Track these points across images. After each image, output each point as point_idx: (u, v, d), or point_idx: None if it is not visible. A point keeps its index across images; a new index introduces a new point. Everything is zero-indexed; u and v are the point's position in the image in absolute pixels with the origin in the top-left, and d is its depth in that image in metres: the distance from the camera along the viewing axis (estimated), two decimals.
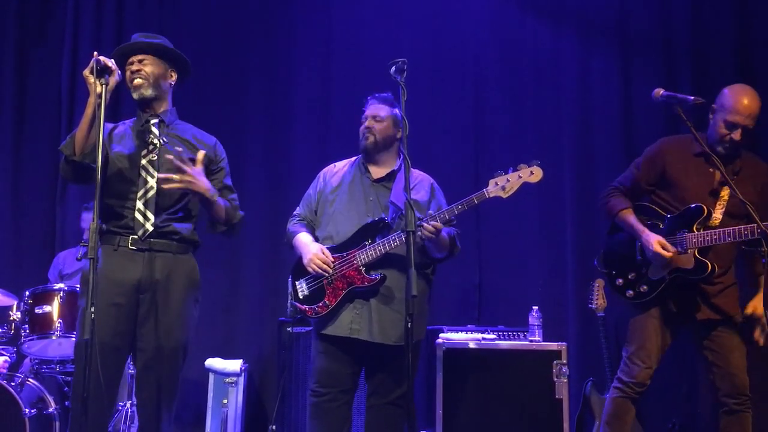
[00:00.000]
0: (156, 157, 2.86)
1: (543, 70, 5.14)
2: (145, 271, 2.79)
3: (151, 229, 2.81)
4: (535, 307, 4.21)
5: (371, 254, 3.11)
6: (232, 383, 4.35)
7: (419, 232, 2.96)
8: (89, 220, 4.43)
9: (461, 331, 4.24)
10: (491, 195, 3.05)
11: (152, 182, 2.83)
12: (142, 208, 2.81)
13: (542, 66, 5.14)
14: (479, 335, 4.17)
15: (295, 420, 4.29)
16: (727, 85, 4.75)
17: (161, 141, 2.89)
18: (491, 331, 4.24)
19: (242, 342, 4.87)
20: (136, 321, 2.81)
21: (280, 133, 5.15)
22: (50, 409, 3.83)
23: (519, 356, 4.05)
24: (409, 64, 2.73)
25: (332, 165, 3.46)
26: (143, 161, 2.84)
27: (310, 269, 3.16)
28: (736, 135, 3.15)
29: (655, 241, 3.15)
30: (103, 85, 2.57)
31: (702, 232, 3.15)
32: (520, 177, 3.03)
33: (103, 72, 2.58)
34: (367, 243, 3.14)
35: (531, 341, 4.14)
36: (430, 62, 5.14)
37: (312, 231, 3.35)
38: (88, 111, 2.65)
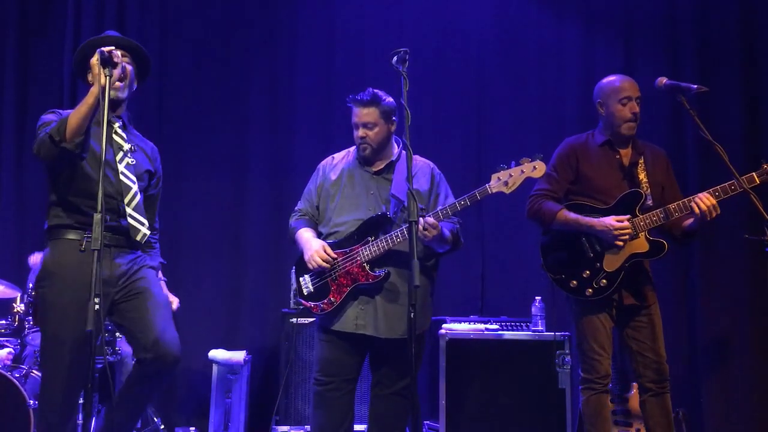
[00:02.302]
0: (134, 162, 2.90)
1: (546, 60, 5.13)
2: (114, 264, 2.79)
3: (148, 232, 2.86)
4: (538, 298, 4.22)
5: (374, 250, 3.10)
6: (235, 374, 4.36)
7: (421, 225, 2.93)
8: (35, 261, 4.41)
9: (464, 321, 4.25)
10: (494, 191, 3.01)
11: (135, 187, 2.87)
12: (133, 213, 2.84)
13: (546, 56, 5.14)
14: (482, 326, 4.18)
15: (299, 410, 4.30)
16: (733, 73, 4.81)
17: (132, 147, 2.94)
18: (494, 321, 4.26)
19: (245, 333, 4.88)
20: (114, 308, 2.82)
21: (283, 126, 5.15)
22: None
23: (522, 346, 4.07)
24: (412, 55, 2.72)
25: (330, 158, 3.43)
26: (120, 167, 2.86)
27: (310, 266, 3.16)
28: (634, 107, 3.29)
29: (611, 220, 3.17)
30: (107, 77, 2.57)
31: (648, 213, 3.20)
32: (522, 172, 2.99)
33: (107, 63, 2.58)
34: (370, 239, 3.13)
35: (534, 332, 4.15)
36: (433, 53, 5.14)
37: (314, 226, 3.34)
38: (89, 100, 2.64)
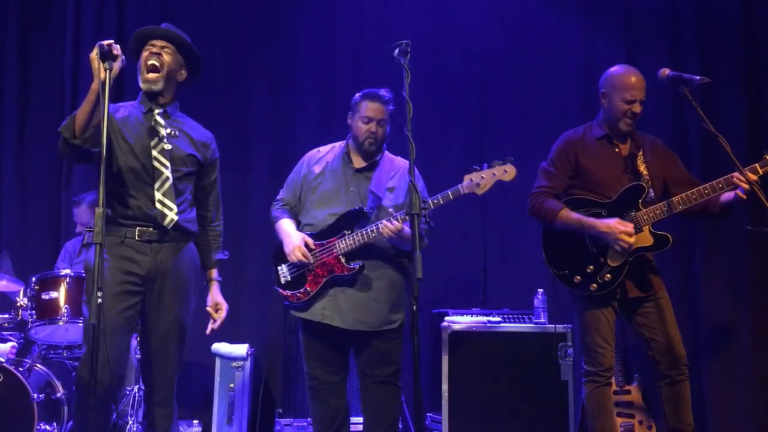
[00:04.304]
0: (170, 147, 2.92)
1: (548, 51, 5.11)
2: (153, 263, 2.87)
3: (176, 218, 2.88)
4: (540, 290, 4.21)
5: (350, 244, 3.20)
6: (238, 367, 4.37)
7: (380, 228, 3.10)
8: (79, 215, 4.47)
9: (466, 314, 4.25)
10: (465, 191, 3.12)
11: (167, 173, 2.89)
12: (162, 198, 2.87)
13: (547, 48, 5.12)
14: (484, 318, 4.18)
15: (301, 403, 4.31)
16: (735, 64, 4.79)
17: (173, 132, 2.97)
18: (496, 314, 4.25)
19: (248, 326, 4.88)
20: (144, 308, 2.90)
21: (284, 122, 5.13)
22: (58, 394, 3.85)
23: (524, 339, 4.07)
24: (413, 49, 2.71)
25: (316, 150, 3.53)
26: (154, 152, 2.89)
27: (291, 259, 3.25)
28: (636, 108, 3.27)
29: (615, 222, 3.16)
30: (107, 71, 2.56)
31: (652, 207, 3.20)
32: (494, 175, 3.11)
33: (106, 56, 2.57)
34: (346, 232, 3.22)
35: (536, 324, 4.15)
36: (434, 46, 5.12)
37: (294, 216, 3.43)
38: (91, 96, 2.66)
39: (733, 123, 4.66)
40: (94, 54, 2.58)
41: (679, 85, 3.15)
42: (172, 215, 2.87)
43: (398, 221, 3.10)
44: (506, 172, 3.10)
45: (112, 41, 2.62)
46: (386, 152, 3.44)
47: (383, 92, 3.36)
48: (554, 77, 5.09)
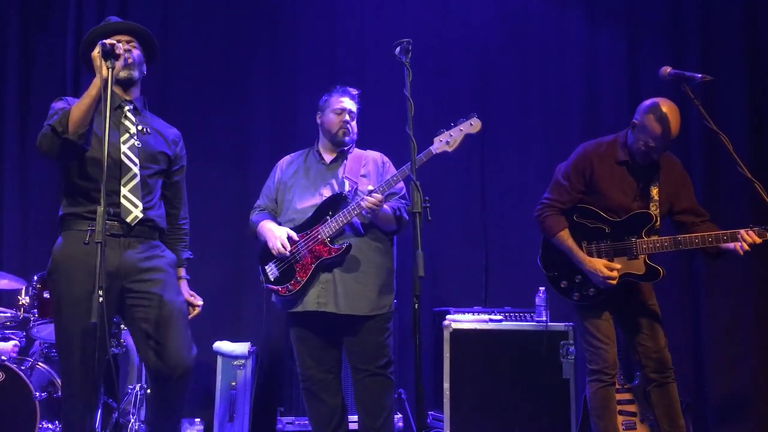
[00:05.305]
0: (140, 144, 2.90)
1: (550, 50, 5.12)
2: (123, 258, 2.80)
3: (141, 215, 2.83)
4: (542, 288, 4.21)
5: (334, 227, 3.25)
6: (240, 365, 4.37)
7: (362, 203, 3.14)
8: None
9: (468, 312, 4.25)
10: (438, 151, 3.20)
11: (135, 169, 2.86)
12: (128, 194, 2.82)
13: (549, 46, 5.12)
14: (486, 316, 4.18)
15: (303, 401, 4.30)
16: (737, 62, 4.78)
17: (144, 129, 2.95)
18: (498, 312, 4.26)
19: (250, 325, 4.89)
20: (124, 309, 2.83)
21: (285, 119, 5.13)
22: (60, 393, 3.85)
23: (526, 337, 4.07)
24: (414, 45, 2.71)
25: (288, 156, 3.63)
26: (123, 147, 2.86)
27: (274, 252, 3.28)
28: (656, 155, 3.25)
29: (601, 266, 3.21)
30: (110, 69, 2.56)
31: (653, 238, 3.22)
32: (461, 130, 3.20)
33: (109, 55, 2.57)
34: (328, 217, 3.27)
35: (538, 322, 4.15)
36: (435, 43, 5.11)
37: (274, 218, 3.48)
38: (92, 92, 2.64)
39: (734, 121, 4.66)
40: (96, 53, 2.58)
41: (680, 83, 3.14)
42: (137, 212, 2.82)
43: (378, 193, 3.14)
44: (472, 125, 3.19)
45: (115, 40, 2.63)
46: (355, 147, 3.53)
47: (355, 89, 3.53)
48: (555, 74, 5.09)
